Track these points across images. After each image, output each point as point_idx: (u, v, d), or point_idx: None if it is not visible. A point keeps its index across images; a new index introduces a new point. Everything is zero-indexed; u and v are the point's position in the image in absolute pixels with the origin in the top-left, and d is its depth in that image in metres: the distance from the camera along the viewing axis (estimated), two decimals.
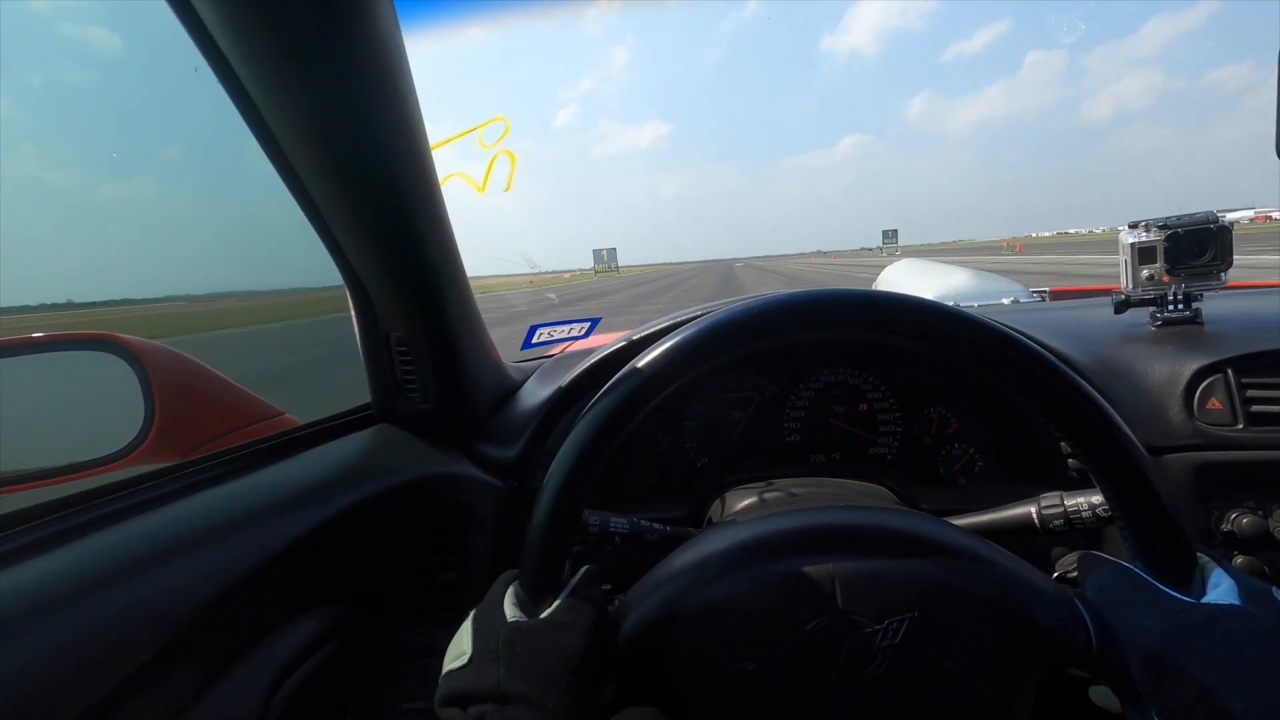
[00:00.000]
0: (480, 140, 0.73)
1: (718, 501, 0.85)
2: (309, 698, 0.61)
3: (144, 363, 0.79)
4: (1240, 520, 0.70)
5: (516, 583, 0.52)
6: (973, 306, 1.43)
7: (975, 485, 0.92)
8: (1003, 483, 0.92)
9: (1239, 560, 0.70)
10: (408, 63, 0.60)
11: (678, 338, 0.50)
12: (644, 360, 0.50)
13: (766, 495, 0.80)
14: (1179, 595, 0.45)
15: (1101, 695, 0.52)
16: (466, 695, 0.46)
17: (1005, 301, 1.50)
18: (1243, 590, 0.44)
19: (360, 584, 0.73)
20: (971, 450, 0.94)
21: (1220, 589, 0.45)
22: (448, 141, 0.67)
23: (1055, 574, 0.76)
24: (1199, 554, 0.48)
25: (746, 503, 0.80)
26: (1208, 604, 0.44)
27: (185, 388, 0.85)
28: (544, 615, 0.49)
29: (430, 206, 0.68)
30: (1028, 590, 0.50)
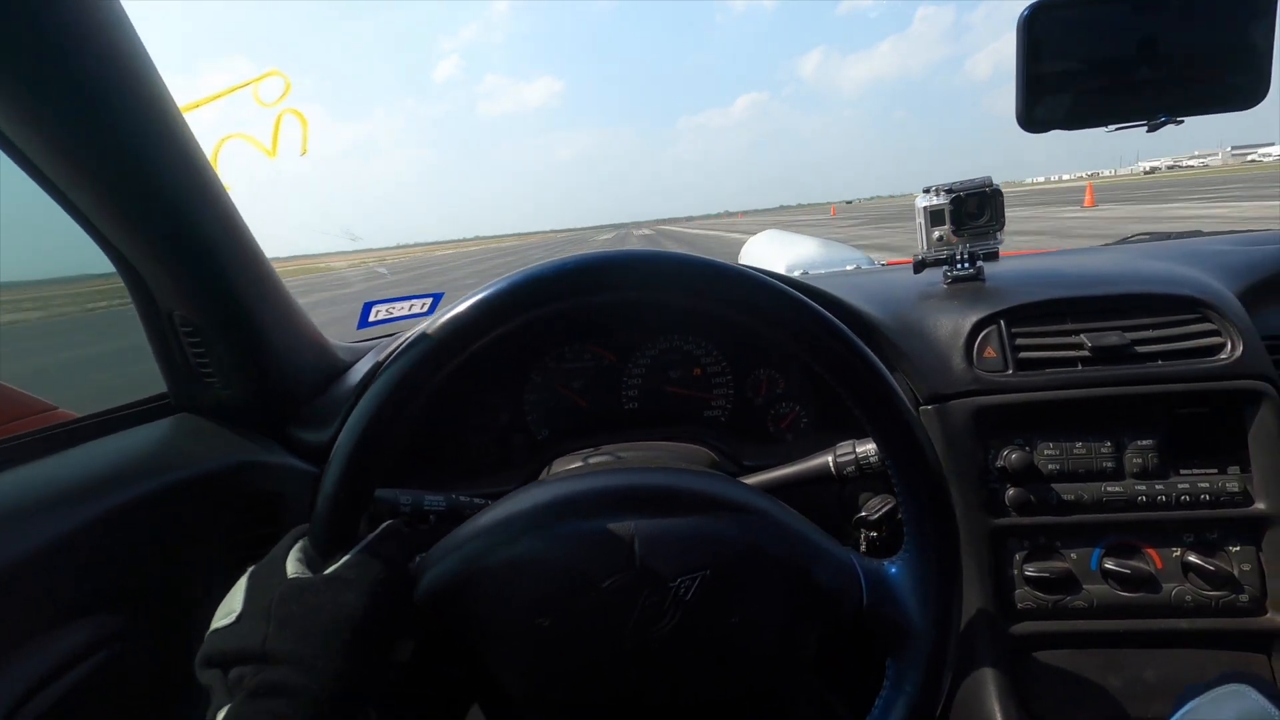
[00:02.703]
0: (258, 97, 0.67)
1: (546, 470, 0.85)
2: (70, 713, 0.55)
3: None
4: (1010, 456, 0.78)
5: (305, 539, 0.49)
6: (820, 273, 1.51)
7: (800, 441, 0.98)
8: (826, 435, 0.98)
9: (1010, 492, 0.78)
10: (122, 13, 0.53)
11: (463, 304, 0.49)
12: (442, 319, 0.49)
13: (590, 459, 0.81)
14: None
15: None
16: (228, 655, 0.42)
17: (848, 268, 1.60)
18: None
19: (147, 587, 0.66)
20: (797, 408, 0.99)
21: None
22: (208, 101, 0.61)
23: (860, 514, 0.82)
24: None
25: (570, 467, 0.80)
26: None
27: None
28: (327, 571, 0.46)
29: (189, 169, 0.61)
30: (813, 550, 0.53)
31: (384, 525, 0.51)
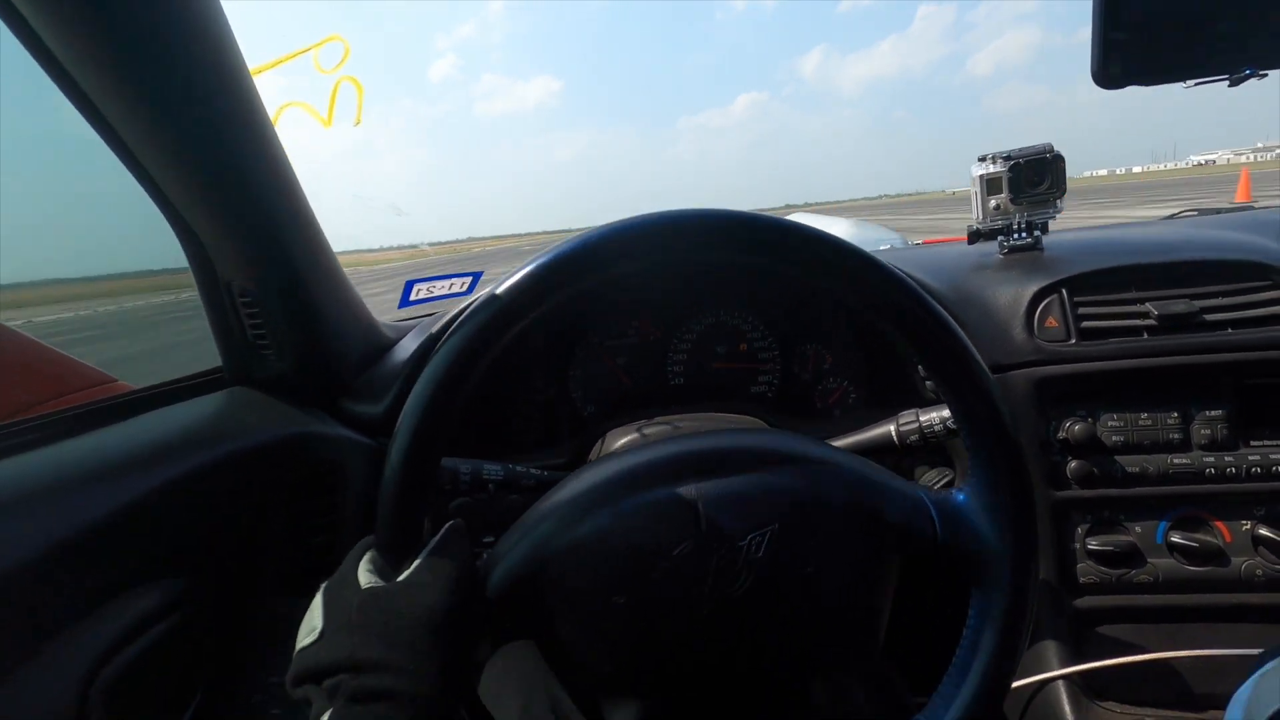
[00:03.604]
0: (317, 63, 0.66)
1: (599, 443, 0.84)
2: (144, 675, 0.56)
3: None
4: (1073, 428, 0.77)
5: (373, 550, 0.49)
6: None
7: (849, 416, 0.96)
8: (874, 411, 0.97)
9: (1073, 464, 0.77)
10: None
11: (527, 268, 0.48)
12: (507, 283, 0.48)
13: (646, 430, 0.80)
14: None
15: None
16: (320, 670, 0.42)
17: (883, 248, 1.58)
18: None
19: (211, 553, 0.67)
20: (846, 383, 0.98)
21: None
22: (275, 64, 0.60)
23: None
24: None
25: (626, 440, 0.79)
26: None
27: None
28: (401, 578, 0.46)
29: (255, 134, 0.61)
30: (878, 490, 0.52)
31: (447, 526, 0.50)
